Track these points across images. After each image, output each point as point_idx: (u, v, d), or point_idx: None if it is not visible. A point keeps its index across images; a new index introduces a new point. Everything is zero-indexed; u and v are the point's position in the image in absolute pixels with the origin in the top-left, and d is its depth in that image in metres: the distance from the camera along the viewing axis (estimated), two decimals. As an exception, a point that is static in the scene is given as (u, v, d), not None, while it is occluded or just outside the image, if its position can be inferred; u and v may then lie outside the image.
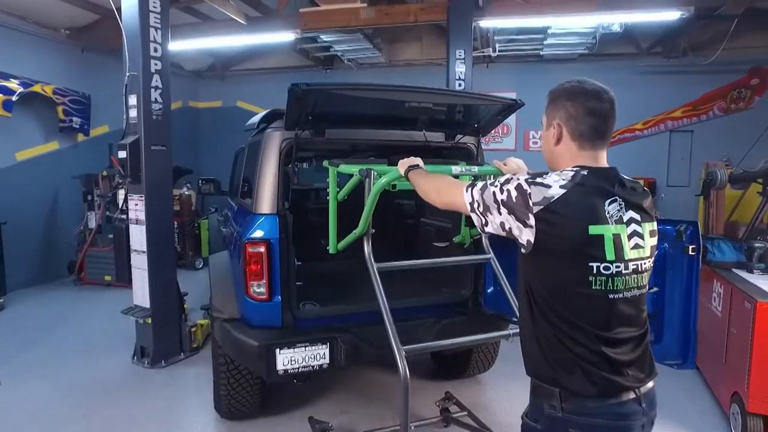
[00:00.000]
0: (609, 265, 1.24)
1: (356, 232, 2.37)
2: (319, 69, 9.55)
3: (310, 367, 2.64)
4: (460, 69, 5.66)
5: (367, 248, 2.28)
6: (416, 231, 3.95)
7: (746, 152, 7.46)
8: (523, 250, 1.31)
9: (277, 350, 2.57)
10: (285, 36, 6.71)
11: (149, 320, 4.01)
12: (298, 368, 2.62)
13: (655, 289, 2.03)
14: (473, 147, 3.09)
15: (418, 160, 1.89)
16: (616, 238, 1.24)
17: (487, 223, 1.38)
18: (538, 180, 1.27)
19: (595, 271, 1.23)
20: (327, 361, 2.66)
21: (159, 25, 3.82)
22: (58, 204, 6.97)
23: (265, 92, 9.73)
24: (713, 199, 6.75)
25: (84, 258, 6.63)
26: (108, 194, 6.50)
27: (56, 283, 6.75)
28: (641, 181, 1.41)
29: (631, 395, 1.28)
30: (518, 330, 1.45)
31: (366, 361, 2.84)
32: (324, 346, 2.66)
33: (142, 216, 3.96)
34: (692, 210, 7.74)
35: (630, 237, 1.27)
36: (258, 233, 2.63)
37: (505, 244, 1.53)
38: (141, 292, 4.07)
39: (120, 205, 4.23)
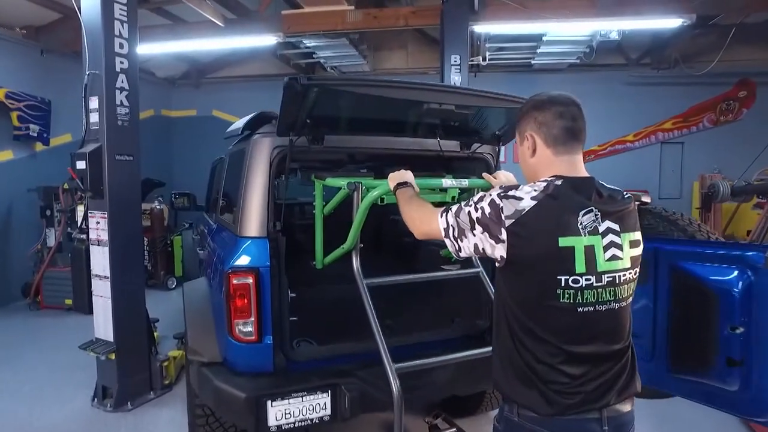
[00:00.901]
0: (578, 278, 1.22)
1: (344, 247, 2.25)
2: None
3: (308, 421, 2.21)
4: (455, 77, 5.32)
5: (355, 263, 2.19)
6: (419, 252, 3.54)
7: (737, 164, 7.39)
8: (497, 265, 1.31)
9: (269, 402, 2.13)
10: (266, 40, 6.30)
11: (113, 356, 3.47)
12: (294, 423, 2.18)
13: (740, 330, 1.68)
14: (491, 157, 2.72)
15: (409, 176, 1.85)
16: (588, 249, 1.22)
17: (461, 249, 1.38)
18: (510, 193, 1.27)
19: (563, 284, 1.22)
20: (328, 412, 2.23)
21: (125, 18, 3.34)
22: (11, 219, 6.31)
23: (243, 101, 9.27)
24: (712, 212, 6.60)
25: (41, 279, 5.99)
26: (69, 209, 5.92)
27: (9, 308, 6.07)
28: (631, 194, 1.37)
29: (592, 414, 1.25)
30: None
31: (376, 410, 2.40)
32: (324, 395, 2.23)
33: (104, 236, 3.43)
34: (685, 223, 7.61)
35: (606, 248, 1.25)
36: (244, 260, 2.17)
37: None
38: (103, 324, 3.53)
39: (79, 223, 3.69)
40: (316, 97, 1.90)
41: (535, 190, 1.24)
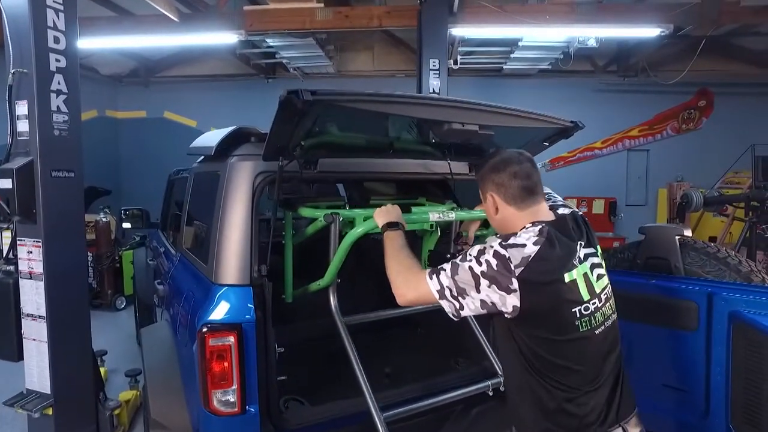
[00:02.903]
0: (588, 304, 1.31)
1: (321, 283, 2.07)
2: (261, 78, 8.60)
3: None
4: (434, 82, 5.00)
5: (333, 300, 2.06)
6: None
7: (699, 172, 7.62)
8: (507, 316, 1.30)
9: (256, 488, 1.72)
10: (226, 38, 5.76)
11: (50, 411, 2.91)
12: None
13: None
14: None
15: (397, 212, 1.71)
16: (585, 277, 1.32)
17: (462, 307, 1.33)
18: (511, 241, 1.30)
19: (578, 315, 1.29)
20: (328, 493, 1.84)
21: (61, 7, 2.77)
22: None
23: (198, 102, 8.71)
24: (685, 221, 6.68)
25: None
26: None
27: None
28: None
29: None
30: (499, 382, 1.53)
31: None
32: None
33: (38, 268, 2.86)
34: (652, 230, 7.70)
35: (592, 269, 1.36)
36: (223, 315, 1.74)
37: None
38: (37, 373, 2.94)
39: (5, 253, 3.08)
40: (320, 114, 1.51)
41: (533, 236, 1.30)
